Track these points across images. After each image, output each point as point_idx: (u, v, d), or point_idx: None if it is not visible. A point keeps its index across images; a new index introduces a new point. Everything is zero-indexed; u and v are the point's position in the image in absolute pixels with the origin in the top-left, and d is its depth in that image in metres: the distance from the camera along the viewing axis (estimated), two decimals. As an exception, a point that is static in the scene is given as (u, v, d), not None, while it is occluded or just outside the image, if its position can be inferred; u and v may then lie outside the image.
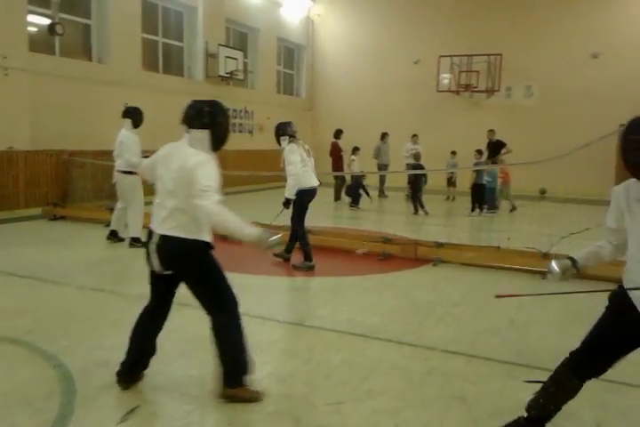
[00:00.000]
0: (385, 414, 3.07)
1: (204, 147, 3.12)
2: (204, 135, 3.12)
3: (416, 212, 11.65)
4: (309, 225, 7.76)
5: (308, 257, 6.41)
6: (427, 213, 11.42)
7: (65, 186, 10.94)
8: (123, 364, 3.28)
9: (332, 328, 4.46)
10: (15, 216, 9.72)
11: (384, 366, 3.74)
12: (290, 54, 20.48)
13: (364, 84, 19.31)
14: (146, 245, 3.20)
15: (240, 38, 17.77)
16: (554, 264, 2.68)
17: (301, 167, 6.28)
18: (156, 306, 3.33)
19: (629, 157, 2.41)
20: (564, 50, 16.79)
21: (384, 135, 14.67)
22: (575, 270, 2.66)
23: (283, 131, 6.51)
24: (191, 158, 3.03)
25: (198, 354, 3.82)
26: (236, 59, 16.11)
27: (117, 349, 3.88)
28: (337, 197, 13.52)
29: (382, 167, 14.47)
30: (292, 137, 6.46)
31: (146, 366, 3.34)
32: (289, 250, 6.63)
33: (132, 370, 3.29)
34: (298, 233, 6.50)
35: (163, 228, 3.07)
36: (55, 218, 9.49)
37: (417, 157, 12.44)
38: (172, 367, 3.60)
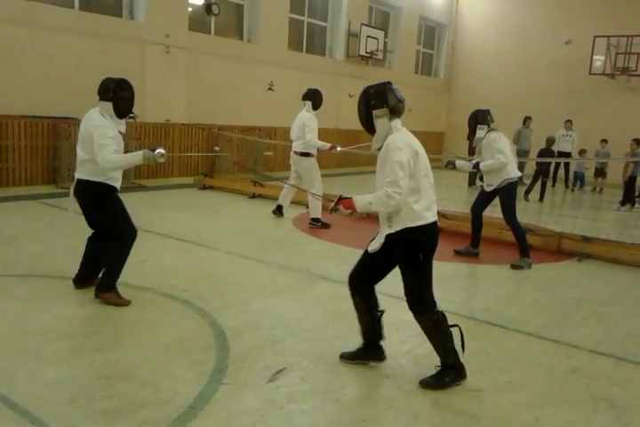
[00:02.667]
0: (526, 407, 3.01)
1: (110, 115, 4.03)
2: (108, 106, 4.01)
3: (541, 199, 11.45)
4: (445, 209, 7.66)
5: (524, 251, 6.02)
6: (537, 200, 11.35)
7: (213, 158, 11.69)
8: (78, 273, 4.40)
9: (467, 315, 4.42)
10: (170, 184, 10.59)
11: (524, 360, 3.65)
12: (430, 33, 20.00)
13: (506, 64, 18.39)
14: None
15: (382, 17, 17.64)
16: None
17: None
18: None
19: None
20: None
21: (526, 119, 13.96)
22: None
23: (482, 119, 5.97)
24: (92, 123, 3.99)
25: (338, 326, 3.99)
26: (376, 38, 16.05)
27: (265, 313, 4.17)
28: (471, 183, 13.16)
29: (522, 153, 13.79)
30: (489, 127, 5.97)
31: (94, 276, 4.36)
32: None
33: (81, 277, 4.39)
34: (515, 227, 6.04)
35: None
36: (204, 187, 10.22)
37: (550, 141, 11.83)
38: (315, 336, 3.79)
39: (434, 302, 3.23)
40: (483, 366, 3.52)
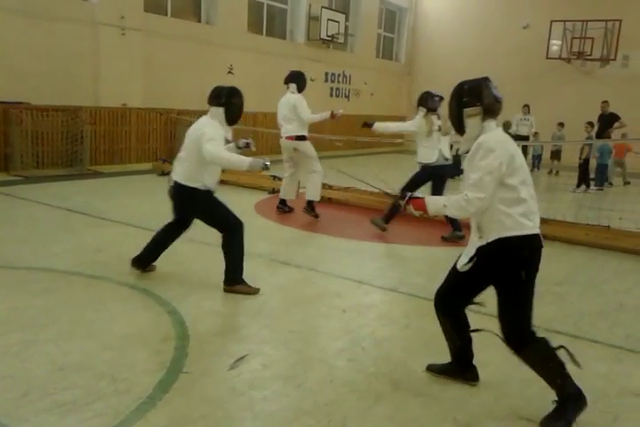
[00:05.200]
0: (484, 387, 3.06)
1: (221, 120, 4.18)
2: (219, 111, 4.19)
3: None
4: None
5: (457, 227, 6.29)
6: None
7: (172, 143, 11.46)
8: (138, 255, 4.53)
9: (428, 297, 4.45)
10: (127, 170, 10.35)
11: (483, 341, 3.67)
12: (391, 17, 19.97)
13: (466, 49, 18.55)
14: None
15: (343, 1, 17.50)
16: None
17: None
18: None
19: None
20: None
21: (485, 104, 14.16)
22: None
23: (423, 101, 6.16)
24: (203, 124, 4.17)
25: (300, 311, 3.98)
26: (337, 22, 15.94)
27: (226, 300, 4.13)
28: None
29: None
30: (427, 111, 6.13)
31: (152, 261, 4.58)
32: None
33: (144, 261, 4.53)
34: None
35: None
36: (163, 174, 10.00)
37: (506, 125, 12.35)
38: (277, 322, 3.77)
39: (534, 331, 2.81)
40: (442, 347, 3.55)
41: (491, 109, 2.76)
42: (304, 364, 3.21)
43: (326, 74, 16.55)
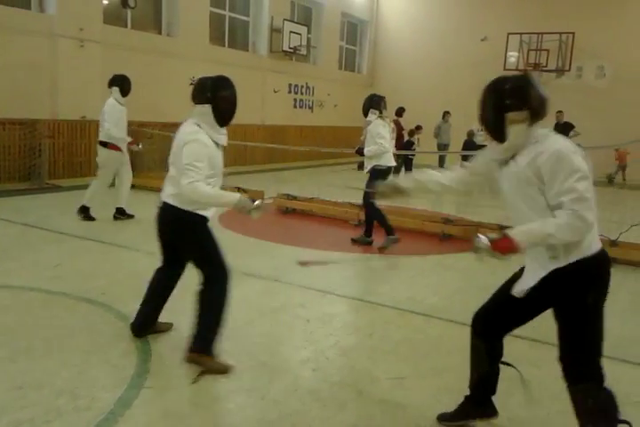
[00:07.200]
0: (448, 392, 3.10)
1: (209, 121, 3.16)
2: (206, 110, 3.14)
3: None
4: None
5: (368, 232, 6.43)
6: None
7: (132, 156, 11.29)
8: (137, 317, 3.57)
9: (392, 306, 4.51)
10: (86, 183, 10.10)
11: (446, 346, 3.77)
12: (353, 30, 20.23)
13: (427, 61, 18.91)
14: None
15: (305, 13, 17.66)
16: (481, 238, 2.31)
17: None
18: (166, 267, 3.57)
19: None
20: (641, 29, 15.94)
21: (445, 114, 14.44)
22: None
23: (376, 104, 6.29)
24: (185, 136, 3.14)
25: (263, 322, 3.97)
26: (299, 34, 16.06)
27: (188, 313, 4.07)
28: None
29: (442, 147, 14.26)
30: (381, 113, 6.28)
31: (156, 319, 3.60)
32: (369, 233, 6.49)
33: (145, 322, 3.57)
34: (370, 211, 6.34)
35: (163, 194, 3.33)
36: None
37: (470, 134, 13.31)
38: (240, 334, 3.74)
39: (602, 374, 2.36)
40: (406, 353, 3.61)
41: (540, 112, 2.30)
42: (268, 375, 3.20)
43: (289, 85, 16.63)
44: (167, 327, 3.69)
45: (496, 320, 2.61)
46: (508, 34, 16.95)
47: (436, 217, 7.34)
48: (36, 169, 9.74)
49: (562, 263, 2.29)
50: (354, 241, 6.52)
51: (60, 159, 10.49)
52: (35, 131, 9.71)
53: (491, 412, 2.74)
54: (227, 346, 3.52)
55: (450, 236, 6.95)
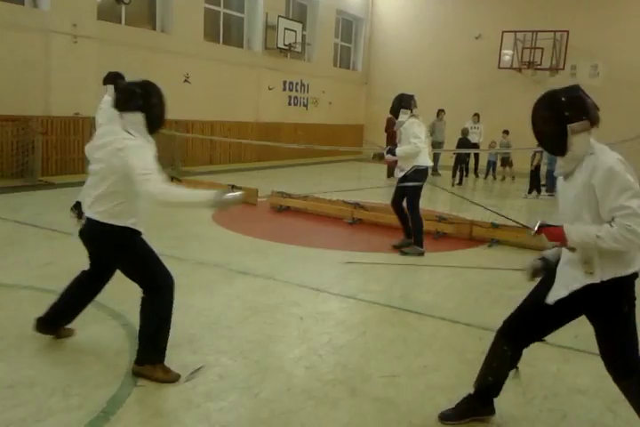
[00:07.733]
0: (439, 390, 3.12)
1: (139, 130, 3.01)
2: (138, 118, 3.00)
3: (460, 182, 13.00)
4: (363, 200, 7.81)
5: (419, 242, 6.11)
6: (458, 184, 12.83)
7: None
8: (46, 313, 3.41)
9: (385, 304, 4.52)
10: (80, 181, 10.07)
11: (438, 344, 3.78)
12: (348, 27, 20.21)
13: (421, 58, 18.91)
14: None
15: (299, 10, 17.63)
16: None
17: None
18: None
19: None
20: (635, 28, 15.96)
21: (440, 112, 14.43)
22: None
23: (407, 103, 6.02)
24: (121, 142, 2.96)
25: (258, 320, 3.97)
26: (294, 31, 16.03)
27: (182, 311, 4.07)
28: (390, 174, 13.45)
29: (436, 145, 14.25)
30: (412, 112, 6.05)
31: (69, 321, 3.47)
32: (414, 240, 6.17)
33: (55, 321, 3.44)
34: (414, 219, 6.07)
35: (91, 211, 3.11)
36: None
37: (464, 132, 13.40)
38: (234, 332, 3.75)
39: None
40: (399, 351, 3.61)
41: (597, 121, 2.38)
42: (261, 373, 3.20)
43: (284, 82, 16.60)
44: (69, 333, 3.52)
45: (528, 329, 2.68)
46: (503, 32, 16.97)
47: (430, 215, 7.34)
48: (28, 166, 9.69)
49: (596, 279, 2.37)
50: (403, 253, 6.11)
51: (53, 156, 10.45)
52: (27, 127, 9.66)
53: (490, 411, 2.84)
54: (220, 344, 3.54)
55: (444, 234, 6.97)
